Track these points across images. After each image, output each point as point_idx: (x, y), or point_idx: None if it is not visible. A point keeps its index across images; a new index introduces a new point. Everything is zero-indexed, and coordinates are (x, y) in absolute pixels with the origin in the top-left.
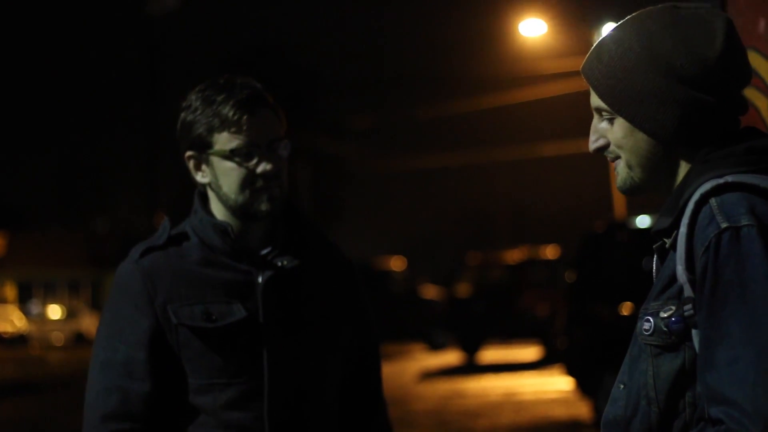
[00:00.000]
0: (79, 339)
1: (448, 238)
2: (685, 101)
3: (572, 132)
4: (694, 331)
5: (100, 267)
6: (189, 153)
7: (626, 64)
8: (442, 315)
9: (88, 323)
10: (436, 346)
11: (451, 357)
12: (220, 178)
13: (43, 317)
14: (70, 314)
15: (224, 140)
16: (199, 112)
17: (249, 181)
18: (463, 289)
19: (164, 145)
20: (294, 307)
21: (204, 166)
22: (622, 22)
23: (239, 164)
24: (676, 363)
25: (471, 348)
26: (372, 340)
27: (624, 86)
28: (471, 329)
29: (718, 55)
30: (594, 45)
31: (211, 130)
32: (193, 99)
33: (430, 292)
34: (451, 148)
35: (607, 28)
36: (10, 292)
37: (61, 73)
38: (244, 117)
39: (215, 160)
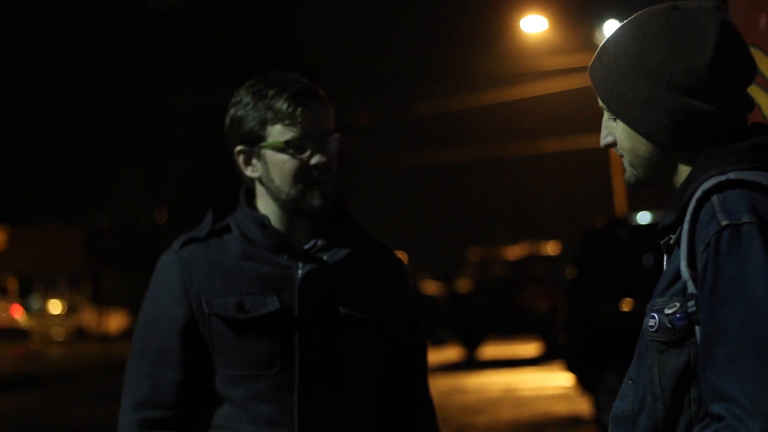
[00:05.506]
0: (80, 334)
1: (448, 233)
2: (675, 108)
3: (573, 128)
4: (697, 328)
5: (101, 262)
6: (239, 147)
7: (621, 68)
8: (443, 311)
9: (89, 318)
10: (436, 341)
11: (452, 353)
12: (272, 171)
13: (43, 312)
14: (71, 309)
15: (278, 132)
16: (250, 106)
17: (302, 174)
18: (463, 285)
19: (166, 141)
20: (333, 303)
21: (255, 160)
22: (624, 23)
23: (293, 156)
24: (680, 359)
25: (471, 344)
26: (419, 341)
27: (619, 91)
28: (471, 325)
29: (708, 62)
30: (600, 45)
31: (264, 123)
32: (243, 94)
33: (431, 287)
34: (452, 143)
35: (609, 25)
36: (11, 286)
37: (63, 67)
38: (298, 109)
39: (268, 153)
